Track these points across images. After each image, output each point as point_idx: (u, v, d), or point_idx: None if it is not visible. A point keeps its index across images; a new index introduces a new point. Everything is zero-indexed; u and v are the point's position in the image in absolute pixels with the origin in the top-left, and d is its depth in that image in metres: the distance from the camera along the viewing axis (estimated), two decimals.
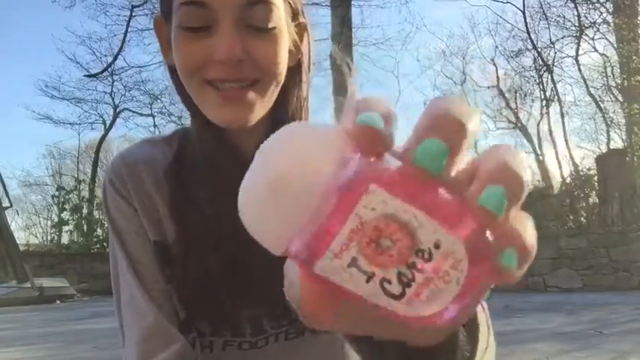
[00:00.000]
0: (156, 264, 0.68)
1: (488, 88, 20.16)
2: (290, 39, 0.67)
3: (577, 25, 17.83)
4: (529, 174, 0.25)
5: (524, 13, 18.26)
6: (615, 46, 15.81)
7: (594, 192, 13.84)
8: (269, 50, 0.62)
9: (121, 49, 17.73)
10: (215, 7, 0.60)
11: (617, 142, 16.60)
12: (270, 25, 0.62)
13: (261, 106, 0.63)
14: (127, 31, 17.20)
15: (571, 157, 17.15)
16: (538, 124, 19.09)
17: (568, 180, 15.82)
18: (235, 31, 0.60)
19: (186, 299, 0.67)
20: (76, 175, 21.33)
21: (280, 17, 0.63)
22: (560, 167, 17.33)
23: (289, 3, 0.66)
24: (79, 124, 20.75)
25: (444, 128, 0.24)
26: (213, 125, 0.65)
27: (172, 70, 0.68)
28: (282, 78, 0.65)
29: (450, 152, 0.23)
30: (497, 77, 19.56)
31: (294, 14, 0.68)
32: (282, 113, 0.68)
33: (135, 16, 17.02)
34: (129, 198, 0.69)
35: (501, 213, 0.24)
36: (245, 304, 0.66)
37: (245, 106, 0.62)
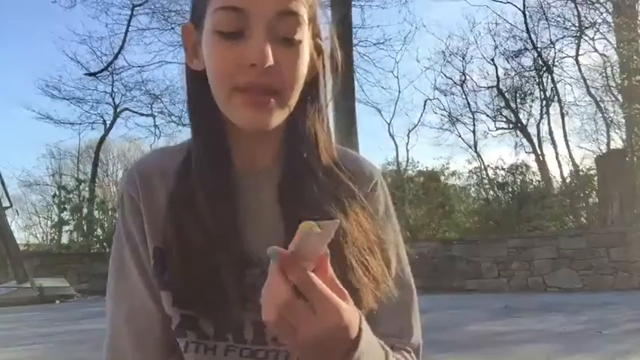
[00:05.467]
0: (144, 276, 0.72)
1: (488, 88, 20.14)
2: (309, 54, 0.70)
3: (577, 25, 17.85)
4: None
5: (524, 13, 18.30)
6: (615, 46, 15.82)
7: (594, 192, 13.85)
8: (293, 62, 0.66)
9: (121, 48, 17.77)
10: (250, 14, 0.64)
11: (617, 142, 16.62)
12: (297, 38, 0.66)
13: (281, 113, 0.67)
14: (127, 30, 17.22)
15: (571, 157, 17.18)
16: (538, 124, 19.11)
17: (568, 180, 15.83)
18: (267, 39, 0.64)
19: (186, 300, 0.69)
20: (76, 175, 21.34)
21: (305, 32, 0.67)
22: (560, 167, 17.35)
23: (313, 23, 0.71)
24: (79, 123, 20.79)
25: None
26: (220, 135, 0.71)
27: (191, 77, 0.73)
28: (299, 89, 0.69)
29: None
30: (497, 77, 19.57)
31: (314, 34, 0.73)
32: (299, 125, 0.72)
33: (136, 15, 17.05)
34: (139, 207, 0.73)
35: None
36: (242, 306, 0.67)
37: (268, 111, 0.66)
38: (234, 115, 0.67)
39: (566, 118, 18.17)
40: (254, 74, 0.63)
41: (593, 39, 17.65)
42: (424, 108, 21.72)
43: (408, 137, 21.63)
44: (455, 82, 20.59)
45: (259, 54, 0.62)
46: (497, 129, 20.12)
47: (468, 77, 20.44)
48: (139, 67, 18.84)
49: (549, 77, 18.33)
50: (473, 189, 17.18)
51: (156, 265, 0.71)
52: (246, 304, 0.65)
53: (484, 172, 17.75)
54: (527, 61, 19.06)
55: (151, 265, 0.72)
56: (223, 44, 0.65)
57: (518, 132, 19.33)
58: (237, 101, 0.65)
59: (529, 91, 19.21)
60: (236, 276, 0.66)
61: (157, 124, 20.36)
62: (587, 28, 17.62)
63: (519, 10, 18.51)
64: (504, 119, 20.08)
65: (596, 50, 17.70)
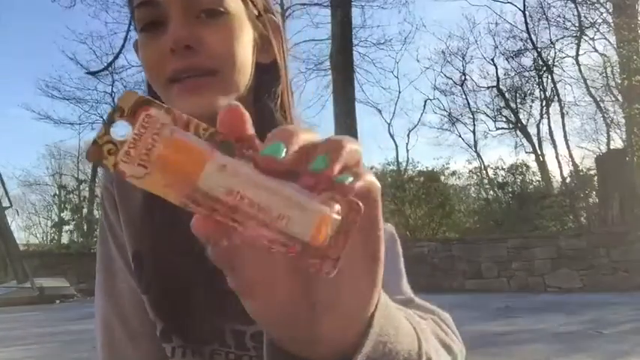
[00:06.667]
0: (132, 273, 0.71)
1: (488, 88, 20.16)
2: (255, 31, 0.66)
3: (577, 25, 17.85)
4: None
5: (524, 13, 18.31)
6: (615, 46, 15.82)
7: (594, 192, 13.85)
8: (224, 35, 0.61)
9: (122, 47, 17.70)
10: (164, 2, 0.61)
11: (617, 142, 16.62)
12: (222, 9, 0.61)
13: (224, 93, 0.62)
14: (129, 29, 17.16)
15: (571, 157, 17.17)
16: (538, 124, 19.13)
17: (568, 180, 15.84)
18: (185, 20, 0.60)
19: (163, 309, 0.67)
20: (76, 175, 21.35)
21: (236, 3, 0.63)
22: (560, 167, 17.36)
23: (250, 1, 0.66)
24: (80, 124, 20.77)
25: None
26: None
27: (148, 89, 0.71)
28: (245, 68, 0.64)
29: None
30: (497, 77, 19.58)
31: (259, 10, 0.68)
32: (263, 114, 0.67)
33: None
34: (115, 206, 0.72)
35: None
36: (220, 314, 0.65)
37: (203, 95, 0.61)
38: (176, 108, 0.63)
39: (566, 118, 18.22)
40: (178, 60, 0.60)
41: (593, 39, 17.68)
42: (424, 108, 21.80)
43: (408, 137, 21.71)
44: (455, 82, 20.65)
45: (173, 35, 0.59)
46: (497, 129, 20.16)
47: (468, 77, 20.52)
48: (139, 66, 18.80)
49: (549, 77, 18.34)
50: (473, 189, 17.23)
51: (135, 269, 0.70)
52: (225, 311, 0.63)
53: (484, 172, 17.79)
54: (527, 61, 19.11)
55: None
56: (146, 41, 0.62)
57: (518, 132, 19.35)
58: (172, 92, 0.61)
59: (529, 91, 19.24)
60: (210, 283, 0.62)
61: None
62: (587, 28, 17.64)
63: (519, 10, 18.55)
64: (504, 119, 20.10)
65: (596, 50, 17.73)
